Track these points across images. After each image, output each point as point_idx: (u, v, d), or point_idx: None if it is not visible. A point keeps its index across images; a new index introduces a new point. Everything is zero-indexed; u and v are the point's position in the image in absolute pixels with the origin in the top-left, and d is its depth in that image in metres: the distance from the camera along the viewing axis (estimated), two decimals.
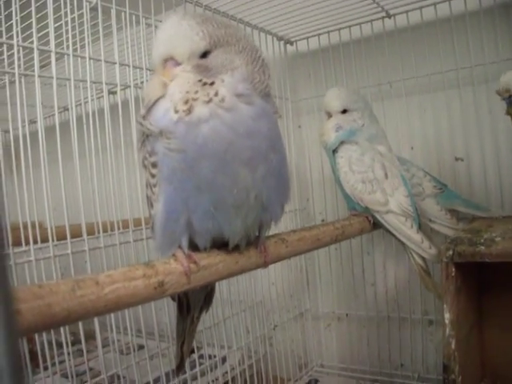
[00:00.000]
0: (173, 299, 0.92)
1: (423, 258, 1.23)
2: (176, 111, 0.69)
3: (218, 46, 0.73)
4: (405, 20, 1.52)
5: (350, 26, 1.62)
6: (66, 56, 1.12)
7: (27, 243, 1.07)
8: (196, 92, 0.70)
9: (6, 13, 1.10)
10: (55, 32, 1.07)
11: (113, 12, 1.19)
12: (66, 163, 1.09)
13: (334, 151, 1.29)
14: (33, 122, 1.58)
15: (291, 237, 0.93)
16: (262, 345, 1.68)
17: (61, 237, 1.10)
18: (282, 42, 1.76)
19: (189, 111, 0.68)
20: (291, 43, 1.78)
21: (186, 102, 0.69)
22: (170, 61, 0.72)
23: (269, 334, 1.71)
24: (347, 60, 1.66)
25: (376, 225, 1.26)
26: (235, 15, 1.49)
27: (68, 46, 1.13)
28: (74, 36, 1.16)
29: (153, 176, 0.75)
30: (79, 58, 1.16)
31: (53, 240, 1.07)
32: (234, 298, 1.61)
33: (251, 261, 0.83)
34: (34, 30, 1.03)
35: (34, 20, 1.04)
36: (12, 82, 1.10)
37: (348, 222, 1.17)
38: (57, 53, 1.08)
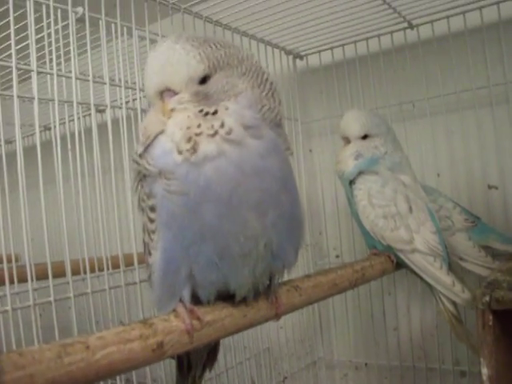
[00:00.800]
0: (171, 357, 0.90)
1: (454, 303, 1.21)
2: (180, 152, 0.68)
3: (218, 69, 0.72)
4: (429, 31, 1.52)
5: (367, 39, 1.62)
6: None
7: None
8: (199, 125, 0.69)
9: None
10: (37, 44, 1.07)
11: (102, 23, 1.18)
12: (48, 188, 1.07)
13: (352, 182, 1.28)
14: (8, 142, 1.59)
15: (305, 283, 0.92)
16: None
17: (41, 275, 1.07)
18: (290, 57, 1.76)
19: (194, 150, 0.67)
20: (301, 58, 1.78)
21: (189, 140, 0.68)
22: (166, 92, 0.72)
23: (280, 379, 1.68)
24: (364, 76, 1.65)
25: (399, 265, 1.24)
26: (238, 27, 1.49)
27: (51, 61, 1.11)
28: (57, 49, 1.13)
29: (151, 221, 0.74)
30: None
31: (32, 280, 1.03)
32: (237, 344, 1.59)
33: (261, 313, 0.81)
34: (12, 44, 1.02)
35: (12, 34, 1.02)
36: None
37: (368, 262, 1.15)
38: (39, 72, 1.07)
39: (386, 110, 1.58)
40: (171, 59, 0.70)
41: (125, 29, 1.23)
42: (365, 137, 1.29)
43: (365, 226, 1.25)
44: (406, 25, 1.55)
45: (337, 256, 1.75)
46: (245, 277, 0.73)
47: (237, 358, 1.57)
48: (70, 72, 1.13)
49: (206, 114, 0.70)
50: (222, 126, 0.68)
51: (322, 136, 1.79)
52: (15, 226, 1.03)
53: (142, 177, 0.74)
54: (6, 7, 1.04)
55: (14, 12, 1.03)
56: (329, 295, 0.99)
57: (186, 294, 0.73)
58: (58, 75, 1.10)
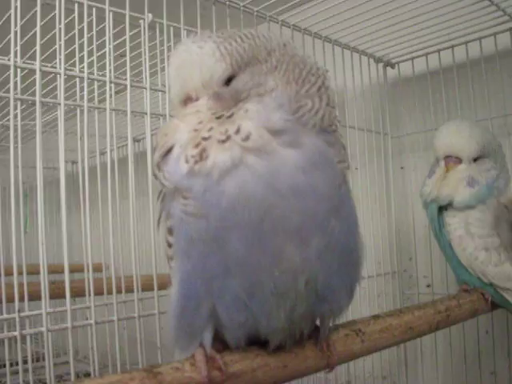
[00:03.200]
0: None
1: None
2: (187, 160, 0.55)
3: (243, 66, 0.59)
4: None
5: (466, 42, 1.43)
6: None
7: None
8: (209, 129, 0.55)
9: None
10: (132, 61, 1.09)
11: (182, 33, 1.13)
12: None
13: (442, 207, 1.09)
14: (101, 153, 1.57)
15: (370, 327, 0.75)
16: None
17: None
18: (380, 65, 1.60)
19: (200, 157, 0.54)
20: (392, 65, 1.62)
21: (197, 145, 0.54)
22: (188, 100, 0.61)
23: None
24: (463, 85, 1.45)
25: (496, 305, 1.06)
26: (319, 32, 1.37)
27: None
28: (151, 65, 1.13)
29: (169, 245, 0.62)
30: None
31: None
32: (313, 375, 1.42)
33: (308, 364, 0.66)
34: (107, 60, 1.05)
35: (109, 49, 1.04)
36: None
37: (456, 301, 0.97)
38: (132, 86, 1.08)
39: (487, 123, 1.38)
40: (186, 62, 0.60)
41: None
42: (477, 158, 1.10)
43: (460, 260, 1.06)
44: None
45: (428, 285, 1.56)
46: (280, 320, 0.59)
47: None
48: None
49: (220, 116, 0.57)
50: (238, 130, 0.55)
51: (415, 152, 1.61)
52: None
53: (162, 193, 0.62)
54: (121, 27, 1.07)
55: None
56: (401, 341, 0.81)
57: (208, 337, 0.59)
58: (150, 89, 1.10)
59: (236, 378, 0.58)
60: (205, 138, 0.55)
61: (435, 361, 1.50)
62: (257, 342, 0.62)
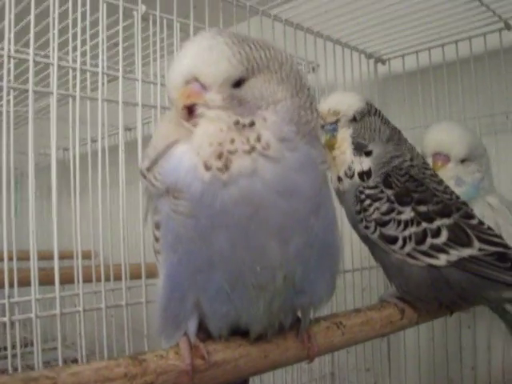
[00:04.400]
0: None
1: None
2: (208, 168, 0.55)
3: (255, 72, 0.59)
4: None
5: (456, 41, 1.44)
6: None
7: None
8: (232, 141, 0.56)
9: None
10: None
11: (175, 26, 1.14)
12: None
13: None
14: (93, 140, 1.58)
15: (352, 319, 0.77)
16: None
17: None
18: (371, 61, 1.61)
19: (226, 167, 0.55)
20: (383, 62, 1.63)
21: (220, 156, 0.55)
22: (193, 83, 0.58)
23: None
24: (452, 83, 1.47)
25: None
26: (311, 27, 1.37)
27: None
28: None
29: (156, 239, 0.63)
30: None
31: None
32: (301, 364, 1.43)
33: (288, 354, 0.67)
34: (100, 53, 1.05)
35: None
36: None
37: None
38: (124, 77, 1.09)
39: (475, 122, 1.41)
40: (211, 49, 0.58)
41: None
42: (464, 160, 1.13)
43: None
44: (501, 25, 1.36)
45: None
46: (259, 311, 0.60)
47: (302, 379, 1.45)
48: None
49: (243, 126, 0.57)
50: (259, 139, 0.56)
51: None
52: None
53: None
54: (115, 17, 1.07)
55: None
56: (380, 334, 0.82)
57: (192, 327, 0.61)
58: (142, 81, 1.10)
59: (218, 367, 0.60)
60: (231, 152, 0.55)
61: (418, 355, 1.51)
62: (239, 333, 0.63)
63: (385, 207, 0.88)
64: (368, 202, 0.89)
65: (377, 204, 0.88)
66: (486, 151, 1.18)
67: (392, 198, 0.88)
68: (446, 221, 0.85)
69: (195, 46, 0.58)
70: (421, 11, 1.30)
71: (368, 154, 0.95)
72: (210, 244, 0.56)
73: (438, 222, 0.85)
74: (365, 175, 0.93)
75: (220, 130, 0.56)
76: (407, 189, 0.88)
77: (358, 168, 0.94)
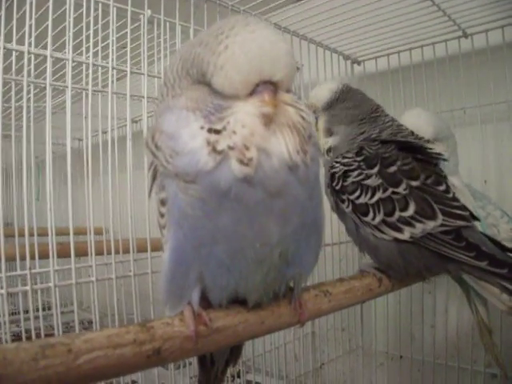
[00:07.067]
0: None
1: (487, 312, 1.02)
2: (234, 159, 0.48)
3: None
4: (483, 40, 1.29)
5: (422, 46, 1.40)
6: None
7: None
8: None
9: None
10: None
11: (177, 29, 1.09)
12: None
13: None
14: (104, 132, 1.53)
15: (337, 288, 0.72)
16: (312, 377, 1.47)
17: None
18: (348, 62, 1.56)
19: (249, 161, 0.48)
20: (358, 63, 1.57)
21: (248, 149, 0.48)
22: (264, 84, 0.49)
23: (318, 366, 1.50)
24: (418, 83, 1.42)
25: None
26: (297, 31, 1.31)
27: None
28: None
29: (161, 215, 0.57)
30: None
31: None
32: None
33: (282, 320, 0.62)
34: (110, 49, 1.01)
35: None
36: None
37: None
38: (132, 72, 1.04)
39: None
40: (289, 53, 0.49)
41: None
42: (431, 140, 1.07)
43: None
44: (460, 33, 1.32)
45: None
46: (256, 283, 0.56)
47: (286, 339, 1.41)
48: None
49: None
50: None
51: None
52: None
53: (153, 166, 0.56)
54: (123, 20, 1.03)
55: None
56: (361, 301, 0.78)
57: (195, 297, 0.56)
58: (148, 75, 1.06)
59: (219, 332, 0.56)
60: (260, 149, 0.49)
61: (386, 315, 1.49)
62: (237, 301, 0.58)
63: (355, 173, 0.84)
64: (339, 171, 0.86)
65: (348, 172, 0.85)
66: (453, 136, 1.13)
67: (361, 163, 0.84)
68: (414, 183, 0.80)
69: (272, 46, 0.48)
70: (391, 19, 1.25)
71: (331, 134, 0.96)
72: (215, 222, 0.51)
73: (403, 186, 0.80)
74: (328, 152, 0.95)
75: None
76: (377, 153, 0.84)
77: (326, 147, 0.96)
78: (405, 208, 0.79)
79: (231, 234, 0.51)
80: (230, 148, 0.48)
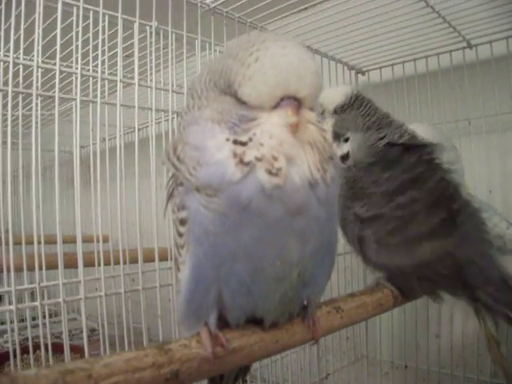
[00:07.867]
0: None
1: (496, 325, 0.99)
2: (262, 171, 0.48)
3: None
4: (488, 51, 1.29)
5: (426, 57, 1.39)
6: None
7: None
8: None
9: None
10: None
11: (184, 39, 1.10)
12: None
13: None
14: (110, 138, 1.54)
15: (348, 304, 0.72)
16: None
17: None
18: (353, 72, 1.55)
19: (278, 174, 0.48)
20: (363, 73, 1.57)
21: (276, 160, 0.49)
22: (288, 100, 0.49)
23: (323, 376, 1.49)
24: (422, 93, 1.42)
25: None
26: (302, 42, 1.30)
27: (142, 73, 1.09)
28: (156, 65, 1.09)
29: (180, 235, 0.56)
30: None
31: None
32: None
33: (296, 338, 0.63)
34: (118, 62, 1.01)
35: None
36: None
37: None
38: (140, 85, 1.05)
39: (442, 126, 1.36)
40: (313, 69, 0.50)
41: (207, 44, 1.15)
42: None
43: None
44: (464, 44, 1.32)
45: None
46: (274, 303, 0.56)
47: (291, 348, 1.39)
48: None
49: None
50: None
51: None
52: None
53: (175, 184, 0.56)
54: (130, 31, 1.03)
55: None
56: (372, 316, 0.78)
57: (213, 318, 0.55)
58: (156, 88, 1.07)
59: (236, 353, 0.55)
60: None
61: (391, 324, 1.48)
62: (252, 321, 0.58)
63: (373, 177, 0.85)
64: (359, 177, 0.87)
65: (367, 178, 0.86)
66: (455, 148, 1.13)
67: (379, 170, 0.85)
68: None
69: (302, 65, 0.49)
70: (396, 30, 1.25)
71: (346, 140, 0.95)
72: (236, 239, 0.50)
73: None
74: (343, 159, 0.93)
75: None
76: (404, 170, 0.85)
77: (338, 153, 0.94)
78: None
79: (252, 252, 0.51)
80: (258, 159, 0.48)
